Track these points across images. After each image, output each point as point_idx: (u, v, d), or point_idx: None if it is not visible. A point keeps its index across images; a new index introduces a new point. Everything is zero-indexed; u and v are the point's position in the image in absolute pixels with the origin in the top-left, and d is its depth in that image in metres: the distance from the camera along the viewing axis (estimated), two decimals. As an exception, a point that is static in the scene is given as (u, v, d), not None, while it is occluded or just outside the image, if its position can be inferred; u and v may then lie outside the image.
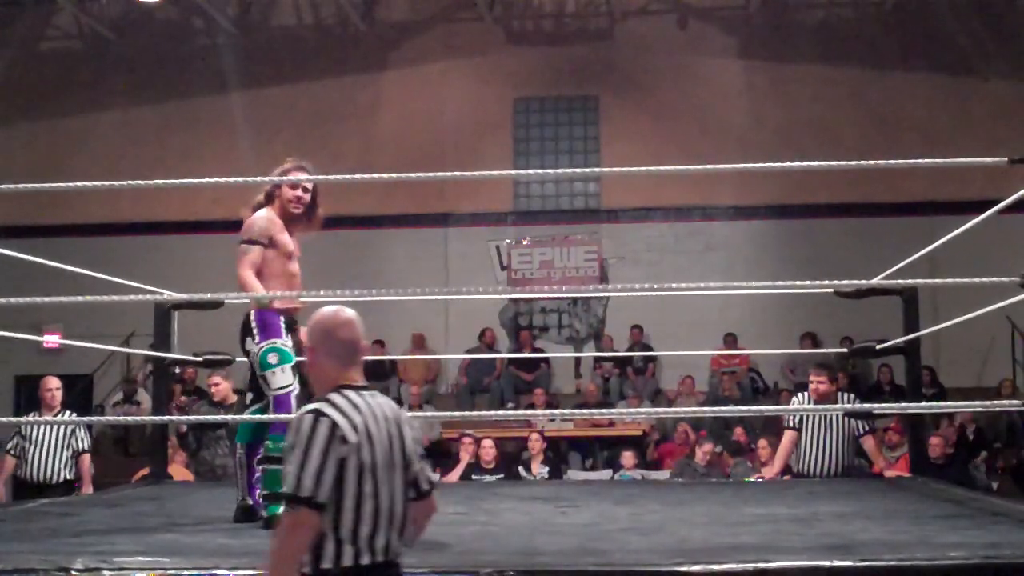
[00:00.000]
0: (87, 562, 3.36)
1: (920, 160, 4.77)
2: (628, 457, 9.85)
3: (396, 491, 2.63)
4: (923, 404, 7.56)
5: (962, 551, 3.54)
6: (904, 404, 7.12)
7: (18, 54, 14.70)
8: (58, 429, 7.68)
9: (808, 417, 6.92)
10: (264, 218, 4.86)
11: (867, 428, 7.06)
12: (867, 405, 7.71)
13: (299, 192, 4.86)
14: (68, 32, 14.77)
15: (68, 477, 7.78)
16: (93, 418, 11.35)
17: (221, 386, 7.81)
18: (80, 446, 7.83)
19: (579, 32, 14.50)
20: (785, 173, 12.10)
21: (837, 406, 6.88)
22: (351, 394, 2.65)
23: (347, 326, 2.73)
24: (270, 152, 14.16)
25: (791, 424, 7.05)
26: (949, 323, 6.18)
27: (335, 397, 2.64)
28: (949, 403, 9.68)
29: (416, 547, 3.95)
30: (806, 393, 7.04)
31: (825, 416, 6.83)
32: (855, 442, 7.04)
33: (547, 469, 9.12)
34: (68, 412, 8.03)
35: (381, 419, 2.64)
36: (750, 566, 3.35)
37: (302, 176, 4.88)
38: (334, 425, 2.55)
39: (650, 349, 12.98)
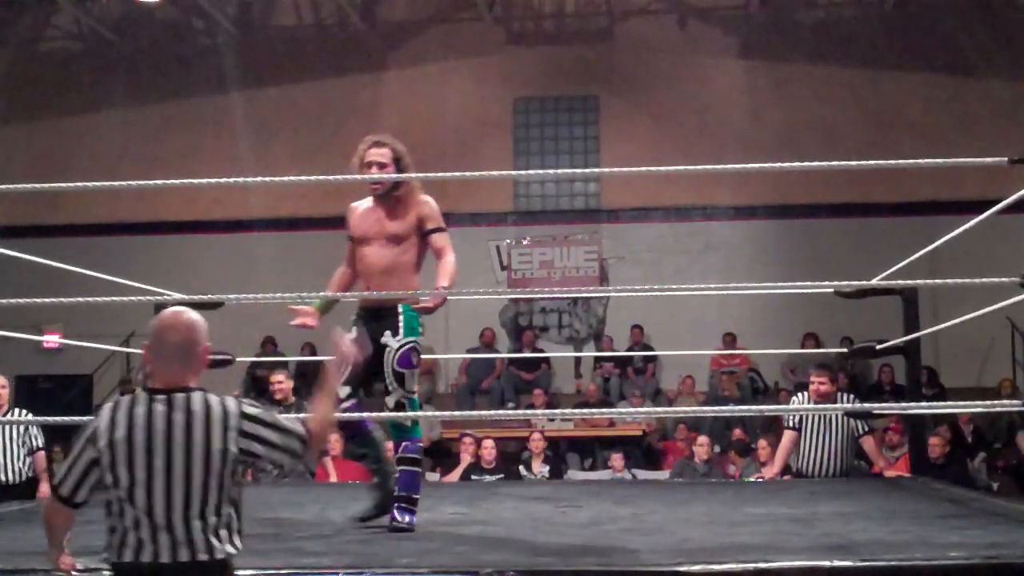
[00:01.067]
0: (87, 562, 3.35)
1: (920, 160, 4.77)
2: (616, 459, 9.80)
3: (174, 497, 2.64)
4: (923, 404, 7.56)
5: (962, 551, 3.54)
6: (904, 404, 7.12)
7: (18, 54, 14.69)
8: (10, 429, 7.57)
9: (808, 417, 6.92)
10: (348, 209, 4.75)
11: (867, 428, 7.06)
12: (867, 405, 7.71)
13: (373, 171, 4.58)
14: (68, 32, 14.76)
15: (30, 475, 7.68)
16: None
17: (284, 384, 7.58)
18: (34, 443, 7.62)
19: (579, 32, 14.50)
20: (785, 173, 12.10)
21: (837, 406, 6.88)
22: (142, 396, 2.69)
23: (174, 329, 2.75)
24: (270, 152, 14.25)
25: (791, 424, 7.06)
26: (949, 323, 6.19)
27: (124, 398, 2.71)
28: (949, 403, 9.68)
29: (415, 547, 3.95)
30: (806, 393, 7.05)
31: (825, 416, 6.83)
32: (855, 442, 7.04)
33: (547, 468, 9.12)
34: (20, 411, 7.90)
35: (159, 429, 2.64)
36: (750, 566, 3.35)
37: (375, 151, 4.61)
38: (96, 427, 2.67)
39: (650, 349, 12.98)
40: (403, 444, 4.55)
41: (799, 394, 7.40)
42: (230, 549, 2.70)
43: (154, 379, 2.74)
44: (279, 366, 8.15)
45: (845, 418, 6.85)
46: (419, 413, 4.63)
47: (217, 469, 2.66)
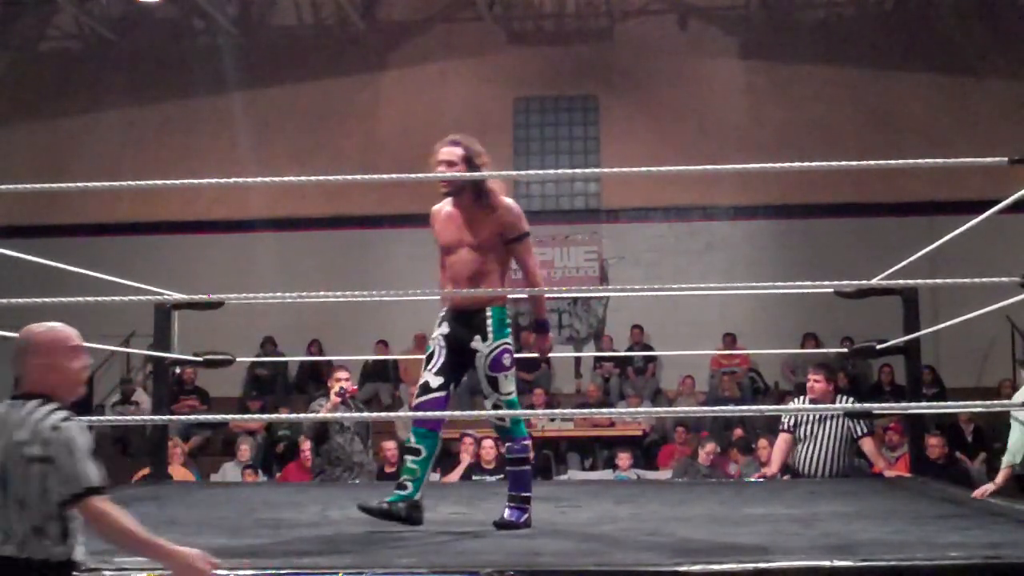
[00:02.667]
0: (87, 562, 3.35)
1: (920, 160, 4.76)
2: (624, 458, 9.85)
3: (7, 493, 2.78)
4: (923, 404, 7.57)
5: (962, 551, 3.54)
6: (904, 404, 7.12)
7: (18, 54, 14.70)
8: None
9: (806, 418, 6.91)
10: (431, 214, 4.65)
11: (866, 430, 7.05)
12: (867, 405, 7.71)
13: (440, 169, 4.50)
14: (68, 32, 14.76)
15: None
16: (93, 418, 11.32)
17: (349, 382, 7.41)
18: None
19: (579, 32, 14.50)
20: (785, 173, 12.10)
21: (837, 406, 6.88)
22: (5, 402, 2.90)
23: (30, 344, 2.93)
24: (270, 152, 14.24)
25: (786, 427, 7.03)
26: (949, 323, 6.19)
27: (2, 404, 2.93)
28: (949, 403, 9.68)
29: (415, 547, 3.95)
30: (804, 396, 7.04)
31: (821, 418, 6.81)
32: (853, 444, 7.02)
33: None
34: None
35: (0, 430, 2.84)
36: (750, 566, 3.35)
37: (446, 150, 4.52)
38: None
39: (650, 349, 12.98)
40: (507, 444, 4.60)
41: (798, 397, 7.40)
42: (58, 551, 2.79)
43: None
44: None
45: (842, 419, 6.84)
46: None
47: (22, 468, 2.79)
